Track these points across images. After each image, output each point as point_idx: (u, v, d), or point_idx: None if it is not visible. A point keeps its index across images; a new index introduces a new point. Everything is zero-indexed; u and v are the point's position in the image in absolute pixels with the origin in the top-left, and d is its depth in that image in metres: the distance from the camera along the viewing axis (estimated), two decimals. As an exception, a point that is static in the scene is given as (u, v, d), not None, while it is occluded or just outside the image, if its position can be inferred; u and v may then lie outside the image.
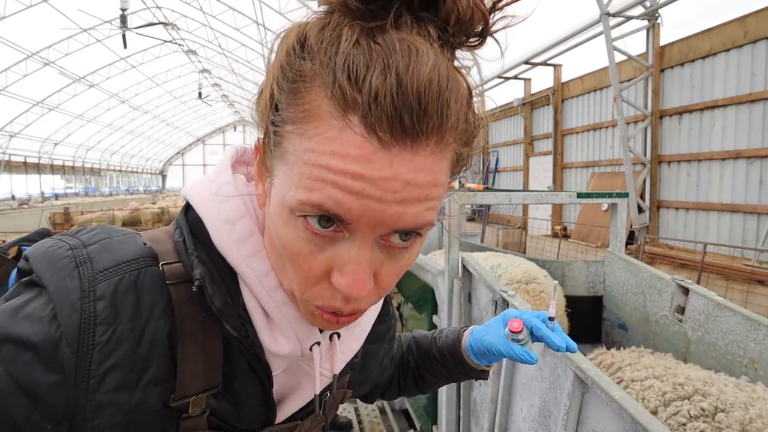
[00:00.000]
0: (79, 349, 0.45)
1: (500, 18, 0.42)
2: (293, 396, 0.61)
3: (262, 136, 0.47)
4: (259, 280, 0.51)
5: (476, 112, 0.45)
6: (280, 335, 0.53)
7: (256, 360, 0.53)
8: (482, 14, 0.40)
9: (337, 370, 0.60)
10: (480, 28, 0.42)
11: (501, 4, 0.41)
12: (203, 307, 0.50)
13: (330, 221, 0.41)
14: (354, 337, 0.62)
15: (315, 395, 0.58)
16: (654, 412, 1.30)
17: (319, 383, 0.58)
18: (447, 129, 0.40)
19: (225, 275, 0.52)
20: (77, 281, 0.46)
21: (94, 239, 0.50)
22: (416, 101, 0.36)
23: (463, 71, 0.44)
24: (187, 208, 0.55)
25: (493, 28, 0.42)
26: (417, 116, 0.37)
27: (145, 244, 0.53)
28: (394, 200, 0.39)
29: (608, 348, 1.86)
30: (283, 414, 0.61)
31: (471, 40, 0.43)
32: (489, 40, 0.44)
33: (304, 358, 0.58)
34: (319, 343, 0.56)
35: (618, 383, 1.41)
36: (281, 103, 0.42)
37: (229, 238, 0.51)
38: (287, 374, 0.59)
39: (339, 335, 0.59)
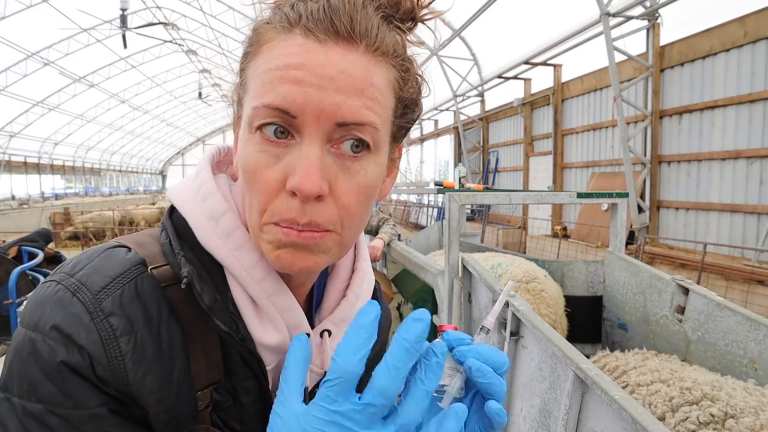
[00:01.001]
0: (110, 364, 0.46)
1: (427, 12, 0.51)
2: None
3: (236, 110, 0.53)
4: (248, 272, 0.52)
5: (416, 65, 0.52)
6: (269, 325, 0.54)
7: (249, 354, 0.54)
8: (411, 1, 0.49)
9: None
10: (410, 12, 0.50)
11: (427, 1, 0.50)
12: (194, 306, 0.51)
13: (283, 133, 0.45)
14: (344, 332, 0.63)
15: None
16: (662, 418, 1.28)
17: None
18: (377, 41, 0.46)
19: (212, 272, 0.53)
20: (80, 306, 0.47)
21: (79, 266, 0.50)
22: (344, 11, 0.45)
23: (401, 34, 0.51)
24: (172, 209, 0.57)
25: (424, 17, 0.51)
26: (345, 21, 0.45)
27: (129, 250, 0.53)
28: (332, 87, 0.44)
29: (609, 348, 1.86)
30: None
31: (406, 24, 0.50)
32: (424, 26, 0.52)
33: None
34: (309, 335, 0.57)
35: (624, 387, 1.39)
36: (246, 53, 0.50)
37: (215, 233, 0.52)
38: (279, 371, 0.59)
39: (330, 332, 0.60)
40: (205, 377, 0.53)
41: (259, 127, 0.46)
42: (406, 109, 0.52)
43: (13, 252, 4.35)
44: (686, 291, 1.83)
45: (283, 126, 0.45)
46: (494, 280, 1.87)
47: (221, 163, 0.62)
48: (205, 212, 0.53)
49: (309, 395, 0.60)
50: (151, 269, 0.51)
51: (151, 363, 0.49)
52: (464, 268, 2.12)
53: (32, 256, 4.18)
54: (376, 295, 0.70)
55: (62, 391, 0.45)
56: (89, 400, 0.46)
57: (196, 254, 0.53)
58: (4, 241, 5.05)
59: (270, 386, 0.58)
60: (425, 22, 0.51)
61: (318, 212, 0.46)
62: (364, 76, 0.45)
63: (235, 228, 0.53)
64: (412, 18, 0.50)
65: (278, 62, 0.45)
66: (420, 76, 0.53)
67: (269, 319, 0.54)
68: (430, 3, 0.51)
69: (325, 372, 0.60)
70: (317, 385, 0.62)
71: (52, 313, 0.46)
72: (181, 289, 0.50)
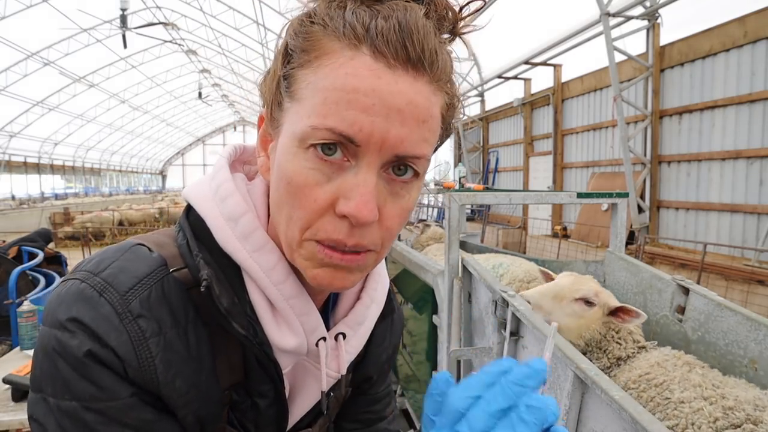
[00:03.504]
0: (140, 366, 0.46)
1: (466, 26, 0.50)
2: (299, 398, 0.61)
3: (268, 107, 0.50)
4: (267, 274, 0.51)
5: (455, 85, 0.51)
6: (287, 328, 0.53)
7: (266, 357, 0.53)
8: (453, 13, 0.48)
9: (344, 370, 0.60)
10: (451, 25, 0.48)
11: (466, 14, 0.49)
12: (214, 308, 0.50)
13: (330, 149, 0.44)
14: (359, 336, 0.63)
15: (322, 393, 0.58)
16: None
17: (326, 381, 0.58)
18: (439, 70, 0.45)
19: (230, 274, 0.52)
20: (109, 307, 0.46)
21: (103, 265, 0.49)
22: (416, 37, 0.43)
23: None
24: (189, 209, 0.55)
25: (462, 30, 0.49)
26: (417, 48, 0.43)
27: (150, 251, 0.53)
28: (399, 119, 0.43)
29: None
30: (292, 418, 0.61)
31: (444, 35, 0.49)
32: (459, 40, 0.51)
33: (309, 357, 0.58)
34: (325, 339, 0.56)
35: (666, 404, 1.35)
36: (294, 54, 0.46)
37: (233, 234, 0.51)
38: (293, 375, 0.59)
39: (345, 335, 0.59)
40: (228, 378, 0.53)
41: (313, 145, 0.44)
42: (444, 132, 0.52)
43: (13, 252, 4.34)
44: (686, 291, 1.83)
45: (338, 147, 0.44)
46: (494, 281, 1.87)
47: (236, 161, 0.61)
48: (224, 213, 0.52)
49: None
50: (172, 271, 0.51)
51: (180, 365, 0.48)
52: (464, 268, 2.12)
53: (32, 256, 4.18)
54: (389, 297, 0.69)
55: (96, 384, 0.45)
56: (122, 390, 0.46)
57: (214, 255, 0.52)
58: (4, 241, 5.04)
59: (287, 390, 0.58)
60: (462, 36, 0.50)
61: (365, 235, 0.45)
62: (427, 107, 0.45)
63: (255, 229, 0.52)
64: (452, 31, 0.49)
65: (345, 83, 0.42)
66: (458, 98, 0.52)
67: (286, 322, 0.53)
68: (471, 15, 0.50)
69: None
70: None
71: (79, 311, 0.46)
72: (199, 291, 0.50)
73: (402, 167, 0.46)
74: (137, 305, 0.47)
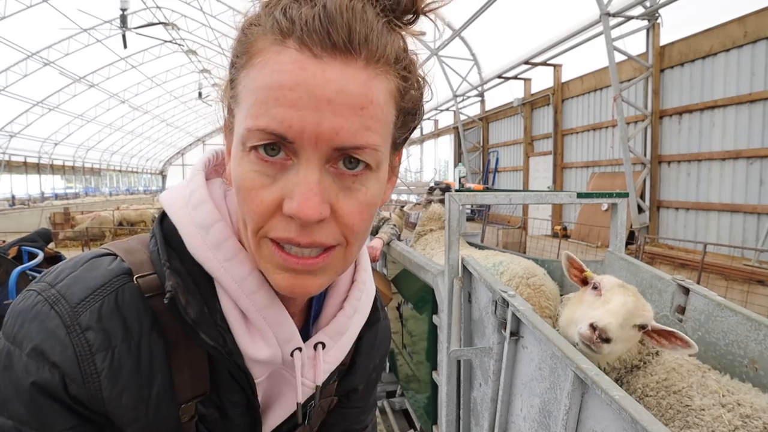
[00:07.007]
0: (84, 382, 0.45)
1: (431, 2, 0.46)
2: (276, 406, 0.60)
3: (229, 115, 0.50)
4: (238, 284, 0.50)
5: (418, 66, 0.48)
6: (260, 339, 0.52)
7: (236, 368, 0.52)
8: None
9: (320, 380, 0.58)
10: (411, 4, 0.46)
11: None
12: (179, 318, 0.49)
13: (274, 150, 0.43)
14: (339, 346, 0.61)
15: (297, 404, 0.56)
16: None
17: (301, 392, 0.56)
18: (377, 51, 0.43)
19: (201, 283, 0.51)
20: (57, 319, 0.45)
21: (61, 276, 0.49)
22: (341, 20, 0.41)
23: (402, 32, 0.47)
24: (164, 215, 0.54)
25: (426, 8, 0.46)
26: (342, 32, 0.41)
27: (115, 258, 0.52)
28: (330, 110, 0.41)
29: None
30: (267, 426, 0.60)
31: (406, 17, 0.46)
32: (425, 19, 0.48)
33: (285, 366, 0.57)
34: (300, 349, 0.55)
35: (686, 409, 1.33)
36: (236, 59, 0.46)
37: (204, 243, 0.50)
38: (270, 383, 0.58)
39: (324, 345, 0.58)
40: (190, 390, 0.51)
41: (254, 147, 0.43)
42: (407, 118, 0.49)
43: (13, 252, 4.34)
44: (687, 291, 1.82)
45: (278, 147, 0.43)
46: (494, 280, 1.86)
47: (218, 166, 0.60)
48: (196, 221, 0.51)
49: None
50: (136, 278, 0.50)
51: (127, 380, 0.47)
52: (464, 268, 2.12)
53: (32, 256, 4.17)
54: (375, 305, 0.67)
55: (30, 412, 0.44)
56: (57, 423, 0.45)
57: (185, 263, 0.51)
58: (4, 241, 5.03)
59: (260, 399, 0.57)
60: (427, 13, 0.47)
61: (320, 232, 0.44)
62: (363, 93, 0.42)
63: (226, 238, 0.51)
64: (414, 11, 0.46)
65: (272, 80, 0.41)
66: (422, 79, 0.49)
67: (259, 332, 0.52)
68: None
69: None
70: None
71: (30, 329, 0.45)
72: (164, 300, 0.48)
73: (352, 160, 0.44)
74: (87, 317, 0.46)
